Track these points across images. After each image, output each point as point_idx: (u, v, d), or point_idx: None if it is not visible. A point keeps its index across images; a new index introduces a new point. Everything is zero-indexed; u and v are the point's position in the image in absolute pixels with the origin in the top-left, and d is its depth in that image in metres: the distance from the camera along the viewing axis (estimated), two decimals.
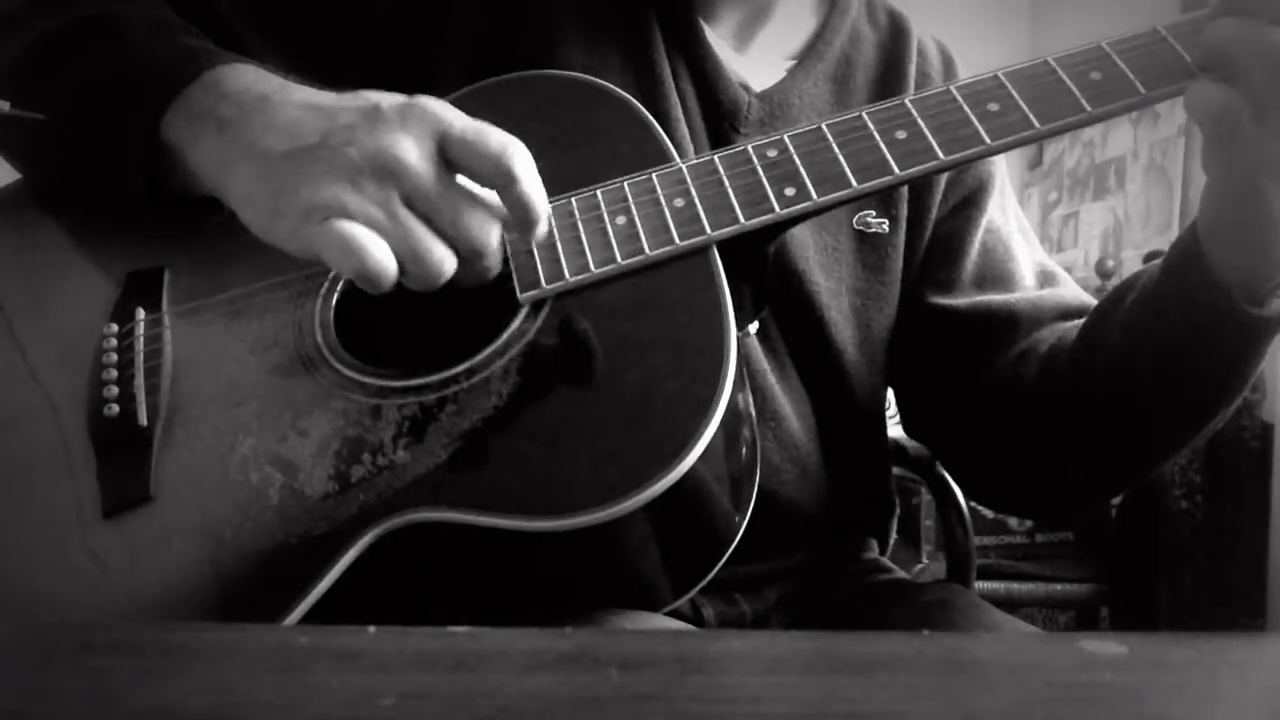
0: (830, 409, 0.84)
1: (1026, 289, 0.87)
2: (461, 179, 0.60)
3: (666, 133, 0.70)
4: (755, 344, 0.79)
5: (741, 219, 0.65)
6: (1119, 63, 0.64)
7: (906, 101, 0.67)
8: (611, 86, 0.72)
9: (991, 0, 3.29)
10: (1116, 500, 2.27)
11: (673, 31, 0.81)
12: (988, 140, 0.64)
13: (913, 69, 0.88)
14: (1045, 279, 0.89)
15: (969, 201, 0.89)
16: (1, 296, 0.72)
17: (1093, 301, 0.87)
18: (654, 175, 0.67)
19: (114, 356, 0.68)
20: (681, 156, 0.69)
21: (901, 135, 0.66)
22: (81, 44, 0.71)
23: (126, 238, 0.73)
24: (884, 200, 0.84)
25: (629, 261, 0.64)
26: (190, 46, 0.69)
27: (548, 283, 0.64)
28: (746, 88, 0.82)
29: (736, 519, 0.65)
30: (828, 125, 0.67)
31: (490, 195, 0.60)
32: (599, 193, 0.67)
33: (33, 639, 0.39)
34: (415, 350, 0.65)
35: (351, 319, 0.68)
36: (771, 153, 0.67)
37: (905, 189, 0.85)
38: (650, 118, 0.71)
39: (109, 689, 0.33)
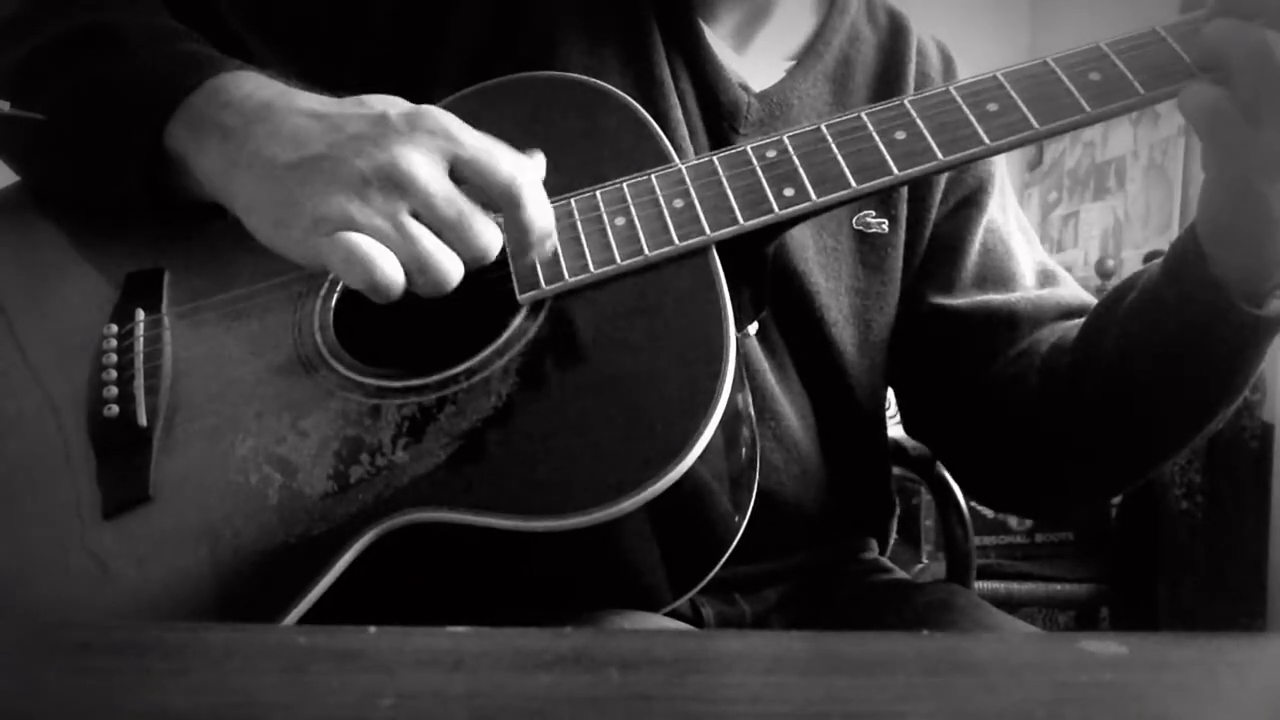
0: (830, 409, 0.84)
1: (1027, 288, 0.88)
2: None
3: (666, 133, 0.70)
4: (755, 344, 0.79)
5: (741, 220, 0.65)
6: (1118, 63, 0.64)
7: (905, 102, 0.67)
8: (611, 88, 0.72)
9: (991, 1, 3.29)
10: (1116, 500, 2.27)
11: (672, 32, 0.81)
12: (987, 141, 0.64)
13: (912, 69, 0.88)
14: (1045, 278, 0.89)
15: (969, 201, 0.89)
16: (2, 297, 0.72)
17: (1093, 301, 0.87)
18: (653, 176, 0.67)
19: (114, 357, 0.68)
20: (681, 157, 0.69)
21: (901, 136, 0.66)
22: (83, 51, 0.71)
23: (126, 239, 0.73)
24: (883, 200, 0.84)
25: (628, 262, 0.64)
26: (192, 53, 0.69)
27: (547, 283, 0.64)
28: (746, 88, 0.82)
29: (736, 519, 0.65)
30: (827, 126, 0.67)
31: (504, 175, 0.60)
32: (598, 194, 0.67)
33: (33, 639, 0.39)
34: (414, 351, 0.65)
35: (351, 320, 0.68)
36: (771, 153, 0.67)
37: (905, 189, 0.85)
38: (649, 118, 0.71)
39: (109, 689, 0.33)
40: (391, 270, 0.57)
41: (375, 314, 0.66)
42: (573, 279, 0.64)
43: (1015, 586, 2.23)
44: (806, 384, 0.83)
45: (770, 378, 0.80)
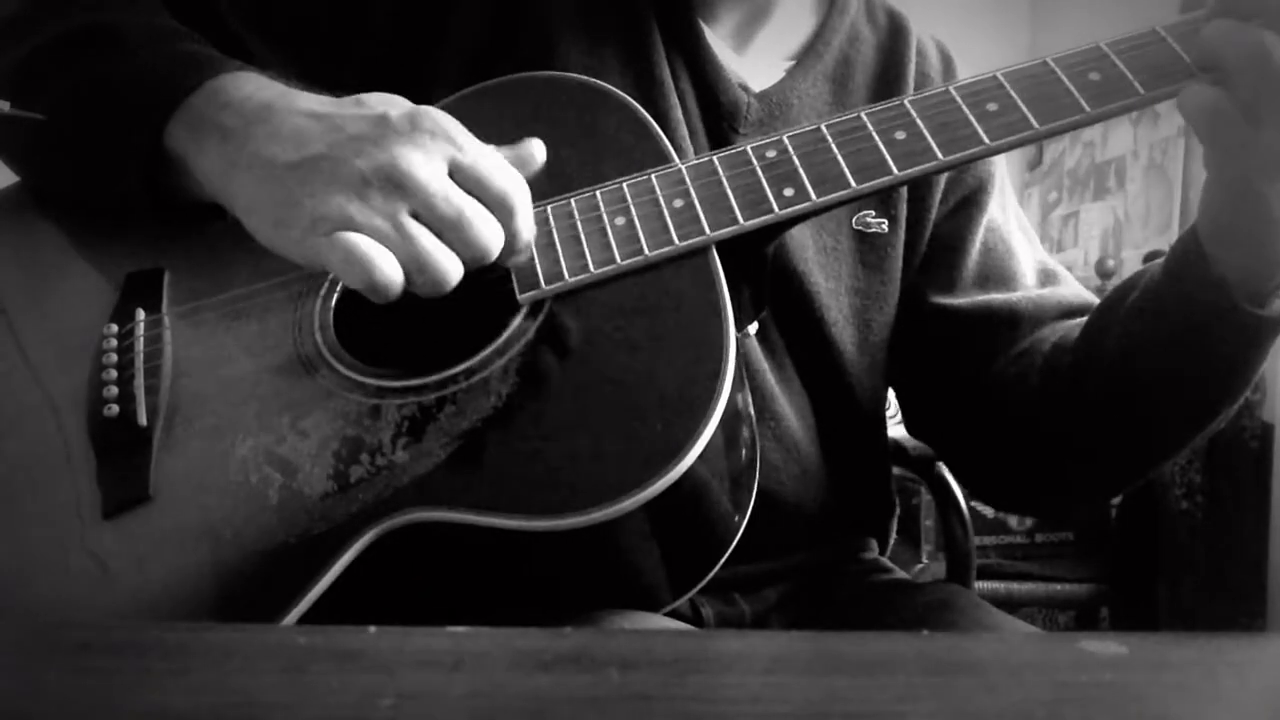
0: (830, 409, 0.84)
1: (1028, 287, 0.88)
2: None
3: (666, 133, 0.70)
4: (754, 344, 0.79)
5: (741, 219, 0.65)
6: (1118, 63, 0.64)
7: (905, 102, 0.67)
8: (611, 88, 0.72)
9: (991, 1, 3.29)
10: (1116, 500, 2.27)
11: (672, 32, 0.81)
12: (987, 141, 0.64)
13: (912, 68, 0.88)
14: (1046, 277, 0.89)
15: (969, 200, 0.89)
16: (2, 297, 0.72)
17: (1094, 299, 0.87)
18: (653, 176, 0.67)
19: (114, 357, 0.68)
20: (681, 157, 0.69)
21: (901, 136, 0.66)
22: (83, 51, 0.71)
23: (127, 239, 0.73)
24: (883, 200, 0.84)
25: (628, 262, 0.64)
26: (192, 54, 0.69)
27: (547, 283, 0.64)
28: (745, 88, 0.82)
29: (736, 519, 0.65)
30: (827, 126, 0.67)
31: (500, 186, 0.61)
32: (598, 193, 0.67)
33: (33, 639, 0.39)
34: (414, 351, 0.65)
35: (351, 320, 0.68)
36: (771, 153, 0.67)
37: (904, 189, 0.85)
38: (649, 118, 0.71)
39: (109, 689, 0.33)
40: (390, 270, 0.57)
41: (375, 314, 0.66)
42: (573, 279, 0.64)
43: (1015, 586, 2.24)
44: (806, 384, 0.83)
45: (770, 378, 0.80)
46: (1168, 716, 0.33)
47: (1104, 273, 2.67)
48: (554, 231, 0.66)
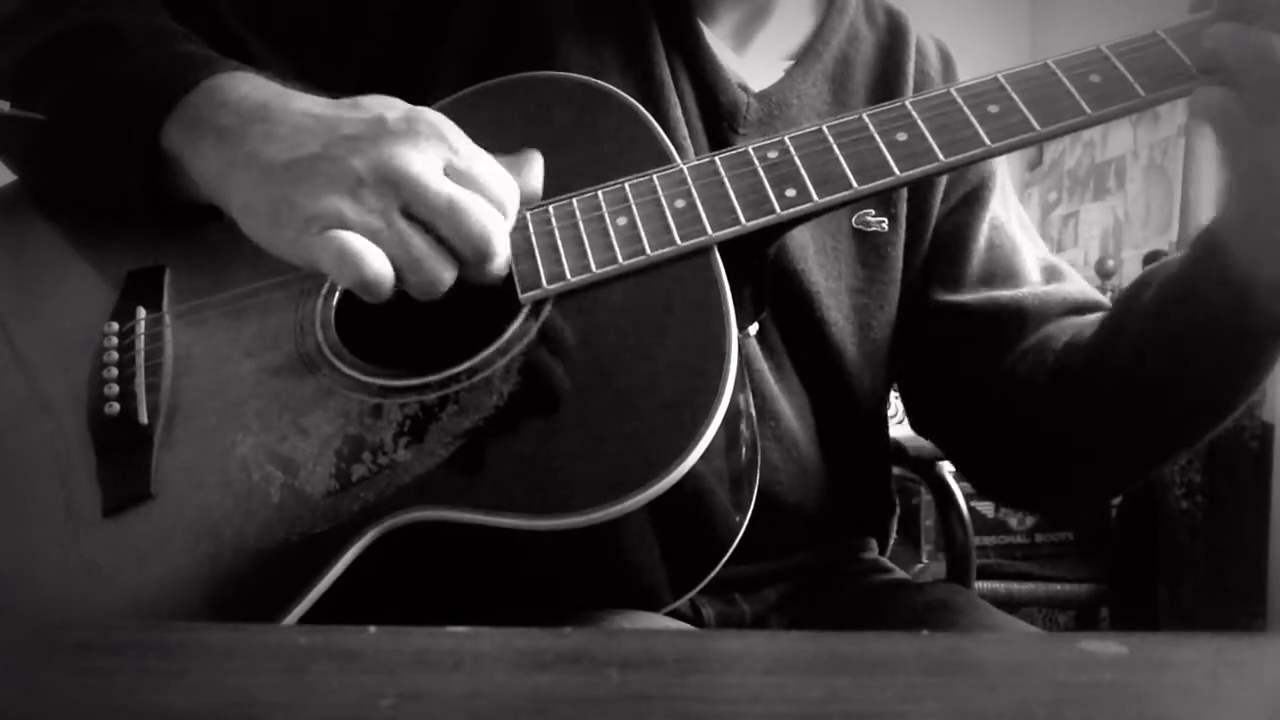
0: (830, 409, 0.84)
1: (1034, 284, 0.87)
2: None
3: (666, 133, 0.70)
4: (754, 344, 0.79)
5: (742, 220, 0.65)
6: (1118, 65, 0.64)
7: (907, 103, 0.67)
8: (612, 88, 0.72)
9: (991, 1, 3.29)
10: (1116, 500, 2.27)
11: (672, 33, 0.81)
12: (988, 142, 0.64)
13: (911, 68, 0.88)
14: (1051, 274, 0.89)
15: (971, 198, 0.89)
16: None
17: (1099, 296, 0.87)
18: (655, 176, 0.67)
19: (115, 355, 0.68)
20: (681, 157, 0.69)
21: (902, 137, 0.66)
22: (82, 50, 0.71)
23: (127, 237, 0.73)
24: (883, 199, 0.84)
25: (630, 262, 0.64)
26: (189, 53, 0.69)
27: (549, 283, 0.64)
28: (745, 88, 0.82)
29: (737, 519, 0.65)
30: (828, 127, 0.67)
31: (495, 190, 0.61)
32: (600, 193, 0.67)
33: (33, 639, 0.39)
34: (417, 350, 0.65)
35: (352, 318, 0.68)
36: (772, 154, 0.67)
37: (905, 187, 0.85)
38: (651, 119, 0.71)
39: (109, 689, 0.33)
40: (381, 267, 0.57)
41: (377, 313, 0.66)
42: (575, 279, 0.64)
43: (1015, 586, 2.24)
44: (806, 384, 0.83)
45: (769, 378, 0.80)
46: (1168, 716, 0.33)
47: (1104, 273, 2.67)
48: (556, 231, 0.66)
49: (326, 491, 0.60)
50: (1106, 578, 2.29)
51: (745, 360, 0.69)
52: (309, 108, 0.62)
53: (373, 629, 0.37)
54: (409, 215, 0.59)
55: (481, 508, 0.58)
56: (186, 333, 0.69)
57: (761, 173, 0.66)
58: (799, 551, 0.84)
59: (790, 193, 0.65)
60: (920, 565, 2.26)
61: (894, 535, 0.95)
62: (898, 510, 0.95)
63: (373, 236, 0.57)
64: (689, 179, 0.67)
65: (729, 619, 0.81)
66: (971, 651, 0.38)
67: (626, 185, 0.67)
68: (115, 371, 0.67)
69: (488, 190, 0.60)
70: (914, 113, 0.66)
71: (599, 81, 0.73)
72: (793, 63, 0.85)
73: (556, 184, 0.67)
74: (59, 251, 0.74)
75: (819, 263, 0.81)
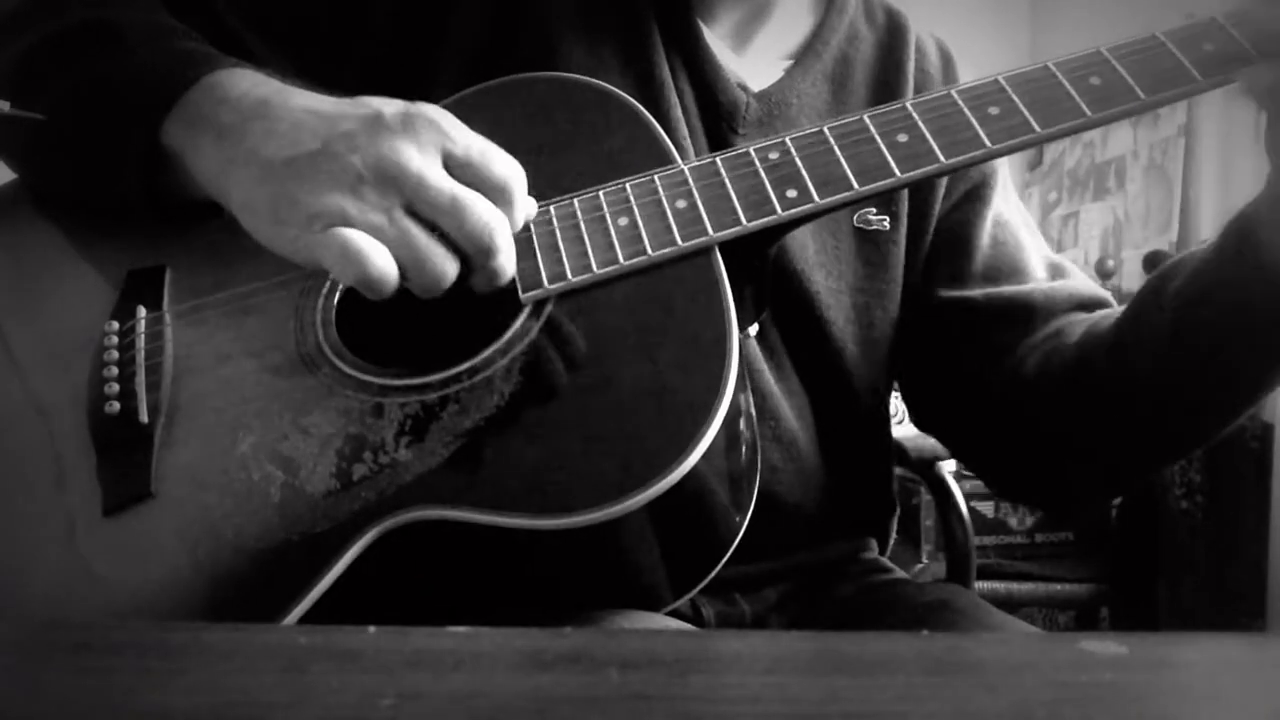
0: (830, 408, 0.84)
1: (1039, 280, 0.87)
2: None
3: (666, 133, 0.70)
4: (754, 344, 0.79)
5: (743, 220, 0.65)
6: (1119, 68, 0.65)
7: (907, 105, 0.67)
8: (612, 88, 0.72)
9: (991, 1, 3.29)
10: (1117, 500, 2.27)
11: (672, 33, 0.81)
12: (988, 143, 0.65)
13: (911, 66, 0.88)
14: (1056, 271, 0.89)
15: (974, 195, 0.89)
16: None
17: (1105, 293, 0.87)
18: (656, 176, 0.67)
19: (115, 354, 0.68)
20: (682, 157, 0.69)
21: (903, 138, 0.66)
22: (80, 48, 0.71)
23: (127, 237, 0.73)
24: (884, 197, 0.84)
25: (631, 262, 0.64)
26: (189, 50, 0.69)
27: (550, 283, 0.64)
28: (745, 88, 0.82)
29: (737, 519, 0.65)
30: (829, 128, 0.67)
31: (497, 174, 0.61)
32: (601, 194, 0.67)
33: (33, 639, 0.39)
34: (417, 349, 0.65)
35: (353, 318, 0.68)
36: (773, 155, 0.67)
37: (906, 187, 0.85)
38: (651, 119, 0.71)
39: (109, 689, 0.33)
40: (385, 264, 0.57)
41: (378, 312, 0.66)
42: (576, 279, 0.64)
43: (1015, 586, 2.24)
44: (806, 383, 0.83)
45: (769, 377, 0.80)
46: (1168, 716, 0.33)
47: (1104, 273, 2.67)
48: (557, 231, 0.66)
49: (327, 491, 0.60)
50: (1106, 578, 2.29)
51: (745, 360, 0.69)
52: (309, 104, 0.62)
53: (373, 629, 0.37)
54: (411, 212, 0.58)
55: (482, 507, 0.58)
56: (187, 332, 0.69)
57: (763, 173, 0.66)
58: (799, 551, 0.84)
59: (791, 193, 0.65)
60: (920, 565, 2.26)
61: (894, 535, 0.95)
62: (898, 510, 0.95)
63: (375, 234, 0.57)
64: (690, 179, 0.67)
65: (729, 619, 0.81)
66: (971, 651, 0.38)
67: (628, 185, 0.67)
68: (116, 371, 0.67)
69: (490, 177, 0.60)
70: (915, 114, 0.66)
71: (599, 82, 0.73)
72: (792, 62, 0.85)
73: (557, 184, 0.67)
74: (59, 251, 0.74)
75: (820, 262, 0.81)
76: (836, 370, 0.83)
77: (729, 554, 0.66)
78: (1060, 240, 3.20)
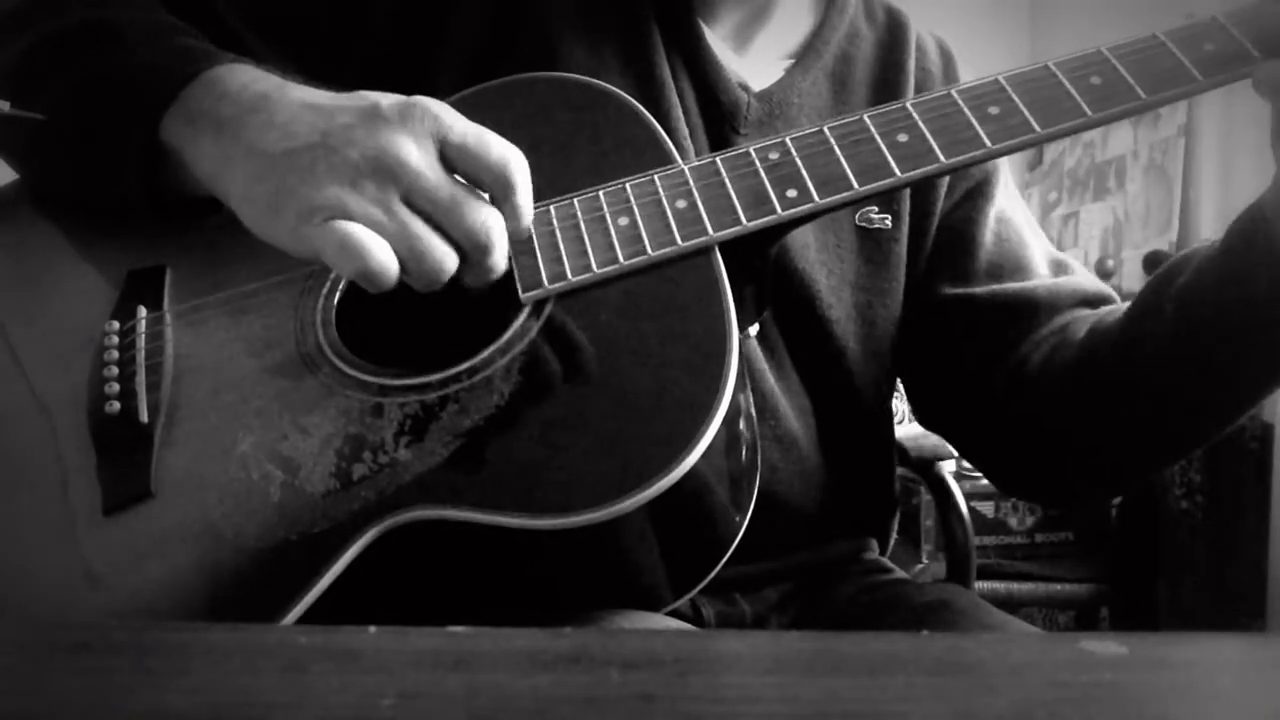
0: (831, 407, 0.84)
1: (1043, 276, 0.87)
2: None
3: (667, 133, 0.70)
4: (754, 344, 0.79)
5: (744, 220, 0.65)
6: (1119, 68, 0.65)
7: (908, 104, 0.67)
8: (613, 88, 0.72)
9: (990, 2, 3.29)
10: (1117, 500, 2.27)
11: (672, 33, 0.81)
12: (988, 143, 0.65)
13: (912, 65, 0.88)
14: (1059, 268, 0.89)
15: (975, 193, 0.89)
16: None
17: (1108, 289, 0.87)
18: (656, 176, 0.67)
19: (115, 354, 0.68)
20: (682, 157, 0.69)
21: (903, 138, 0.66)
22: (80, 47, 0.71)
23: (127, 237, 0.73)
24: (886, 196, 0.83)
25: (631, 262, 0.64)
26: (188, 47, 0.69)
27: (550, 282, 0.64)
28: (745, 88, 0.82)
29: (737, 519, 0.65)
30: (829, 127, 0.67)
31: (494, 160, 0.60)
32: (601, 193, 0.67)
33: (33, 639, 0.39)
34: (417, 349, 0.65)
35: (353, 317, 0.68)
36: (773, 155, 0.67)
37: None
38: (652, 119, 0.71)
39: (109, 689, 0.33)
40: (384, 257, 0.57)
41: (378, 312, 0.66)
42: (575, 278, 0.64)
43: (1015, 586, 2.24)
44: (806, 382, 0.83)
45: (769, 377, 0.80)
46: (1168, 716, 0.33)
47: (1104, 272, 2.67)
48: (557, 231, 0.66)
49: (327, 490, 0.60)
50: (1106, 578, 2.29)
51: (746, 359, 0.69)
52: (308, 98, 0.62)
53: (373, 629, 0.37)
54: (410, 204, 0.58)
55: (482, 507, 0.58)
56: (187, 332, 0.69)
57: (763, 173, 0.66)
58: (799, 551, 0.84)
59: (791, 193, 0.65)
60: (920, 565, 2.26)
61: (894, 535, 0.95)
62: (899, 510, 0.95)
63: (374, 226, 0.57)
64: (690, 179, 0.67)
65: (729, 619, 0.81)
66: (971, 651, 0.38)
67: (628, 185, 0.67)
68: (116, 370, 0.67)
69: (488, 161, 0.59)
70: (915, 114, 0.66)
71: (600, 82, 0.73)
72: (793, 62, 0.85)
73: (557, 184, 0.67)
74: (59, 251, 0.74)
75: (821, 260, 0.81)
76: (838, 369, 0.83)
77: (729, 554, 0.66)
78: (1060, 240, 3.20)
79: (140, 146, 0.66)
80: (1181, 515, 2.16)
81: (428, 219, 0.59)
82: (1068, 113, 0.64)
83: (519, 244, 0.65)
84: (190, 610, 0.59)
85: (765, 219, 0.65)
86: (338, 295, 0.68)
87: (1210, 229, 2.56)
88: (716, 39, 0.83)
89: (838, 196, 0.65)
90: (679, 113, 0.79)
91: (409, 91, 0.62)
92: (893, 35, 0.89)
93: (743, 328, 0.62)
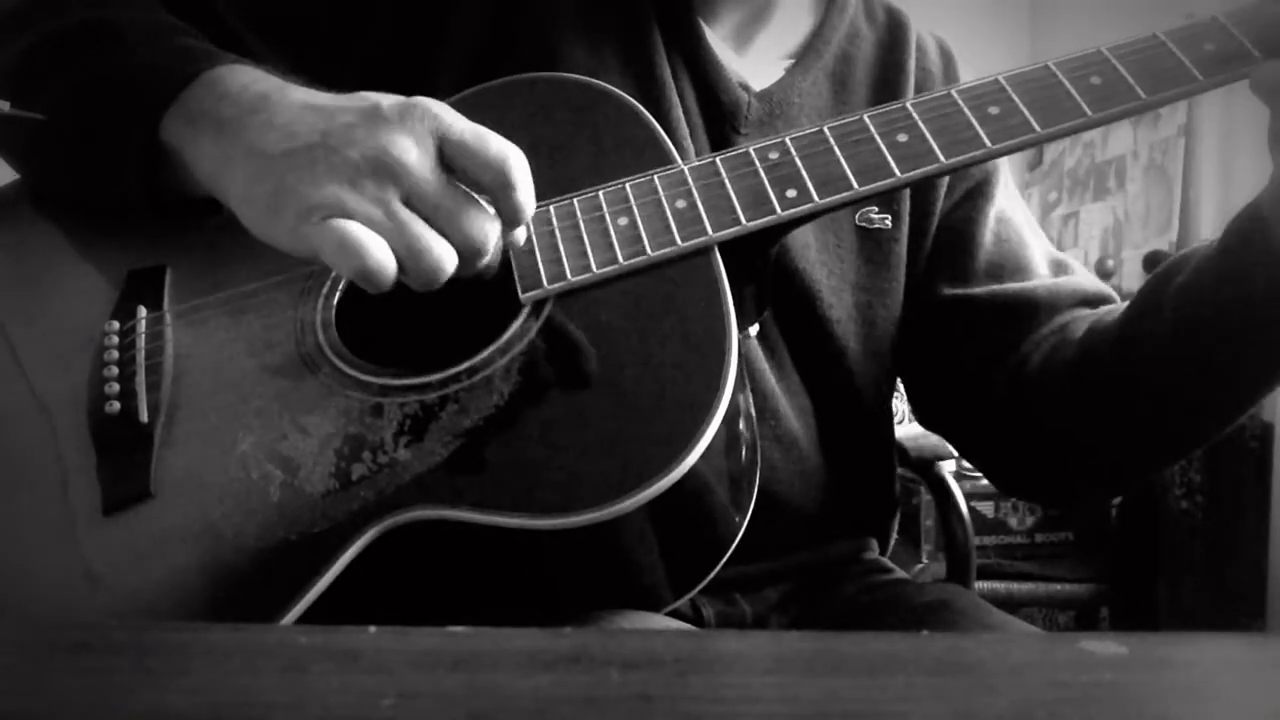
0: (831, 407, 0.84)
1: (1043, 276, 0.87)
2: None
3: (667, 133, 0.71)
4: (754, 344, 0.79)
5: (743, 220, 0.65)
6: (1119, 68, 0.65)
7: (908, 105, 0.67)
8: (613, 88, 0.72)
9: (990, 2, 3.29)
10: (1117, 500, 2.27)
11: (673, 33, 0.81)
12: (988, 143, 0.65)
13: (912, 65, 0.88)
14: (1059, 268, 0.89)
15: (975, 193, 0.89)
16: None
17: (1108, 289, 0.87)
18: (656, 176, 0.67)
19: (115, 354, 0.68)
20: (682, 157, 0.69)
21: (903, 138, 0.66)
22: (80, 47, 0.71)
23: (127, 237, 0.73)
24: (886, 196, 0.83)
25: (631, 262, 0.64)
26: (188, 47, 0.69)
27: (549, 283, 0.64)
28: (746, 88, 0.82)
29: (737, 519, 0.65)
30: (829, 128, 0.67)
31: (494, 157, 0.60)
32: (601, 194, 0.67)
33: (33, 639, 0.39)
34: (417, 349, 0.65)
35: (353, 318, 0.68)
36: (773, 155, 0.67)
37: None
38: (652, 119, 0.71)
39: (109, 689, 0.33)
40: (383, 256, 0.56)
41: (378, 312, 0.66)
42: (575, 278, 0.64)
43: (1015, 586, 2.24)
44: (807, 382, 0.83)
45: (770, 377, 0.80)
46: (1168, 716, 0.33)
47: (1104, 273, 2.67)
48: (556, 231, 0.66)
49: (326, 490, 0.61)
50: (1106, 578, 2.29)
51: (746, 359, 0.69)
52: (307, 99, 0.62)
53: (373, 629, 0.37)
54: (409, 204, 0.58)
55: (482, 507, 0.58)
56: (187, 332, 0.69)
57: (762, 173, 0.66)
58: (799, 551, 0.84)
59: (791, 193, 0.65)
60: (920, 565, 2.26)
61: (894, 535, 0.95)
62: (899, 510, 0.95)
63: (373, 226, 0.57)
64: (690, 179, 0.67)
65: (729, 619, 0.81)
66: (971, 651, 0.38)
67: (628, 185, 0.67)
68: (116, 370, 0.67)
69: (486, 158, 0.59)
70: (915, 114, 0.66)
71: (600, 82, 0.73)
72: (793, 62, 0.85)
73: (557, 184, 0.67)
74: (59, 251, 0.74)
75: (821, 260, 0.81)
76: (838, 369, 0.83)
77: (729, 554, 0.66)
78: (1060, 240, 3.20)
79: (140, 146, 0.66)
80: (1181, 515, 2.16)
81: (426, 220, 0.59)
82: (1068, 113, 0.64)
83: (519, 244, 0.65)
84: (190, 610, 0.59)
85: (765, 219, 0.65)
86: (338, 295, 0.68)
87: (1210, 229, 2.56)
88: (717, 39, 0.83)
89: (837, 197, 0.65)
90: (679, 113, 0.79)
91: (409, 92, 0.62)
92: (893, 35, 0.89)
93: (743, 328, 0.62)
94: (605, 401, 0.60)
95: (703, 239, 0.64)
